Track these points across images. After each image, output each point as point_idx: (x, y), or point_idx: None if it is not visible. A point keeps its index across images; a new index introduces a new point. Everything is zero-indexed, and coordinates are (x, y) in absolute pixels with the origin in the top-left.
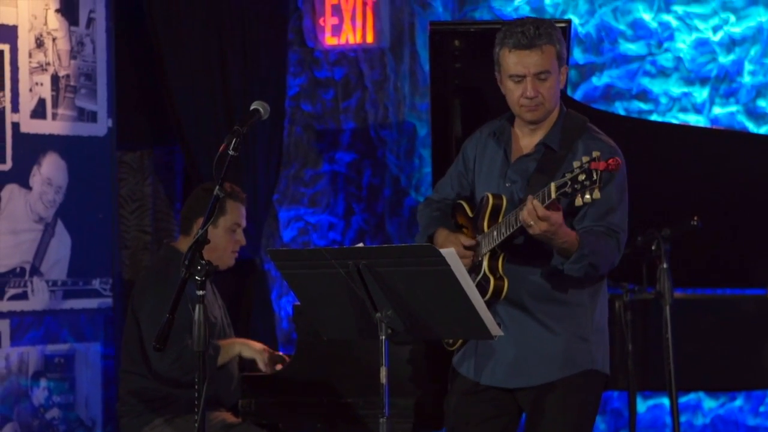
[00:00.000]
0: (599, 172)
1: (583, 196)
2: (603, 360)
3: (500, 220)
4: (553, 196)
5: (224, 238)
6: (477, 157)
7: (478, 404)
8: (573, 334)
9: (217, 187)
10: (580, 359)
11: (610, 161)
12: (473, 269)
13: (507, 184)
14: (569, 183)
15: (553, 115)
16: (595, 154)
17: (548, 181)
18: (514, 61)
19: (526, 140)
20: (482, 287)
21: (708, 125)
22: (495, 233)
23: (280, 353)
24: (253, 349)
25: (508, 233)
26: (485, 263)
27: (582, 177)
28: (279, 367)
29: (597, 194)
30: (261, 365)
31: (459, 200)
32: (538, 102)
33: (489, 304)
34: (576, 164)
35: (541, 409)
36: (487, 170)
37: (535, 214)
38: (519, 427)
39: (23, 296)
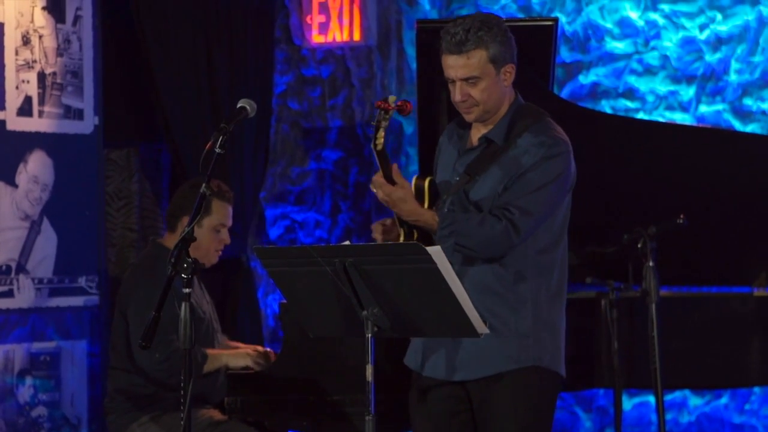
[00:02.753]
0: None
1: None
2: (552, 358)
3: (426, 200)
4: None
5: (208, 238)
6: (441, 149)
7: (437, 401)
8: (511, 329)
9: (204, 184)
10: (523, 355)
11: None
12: None
13: (456, 178)
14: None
15: (502, 110)
16: (391, 98)
17: (480, 171)
18: (445, 65)
19: (476, 132)
20: None
21: (694, 124)
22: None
23: (267, 350)
24: (239, 358)
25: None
26: (401, 240)
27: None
28: (271, 356)
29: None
30: (255, 368)
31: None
32: (471, 104)
33: None
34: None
35: (487, 403)
36: (443, 163)
37: (374, 181)
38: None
39: (9, 294)
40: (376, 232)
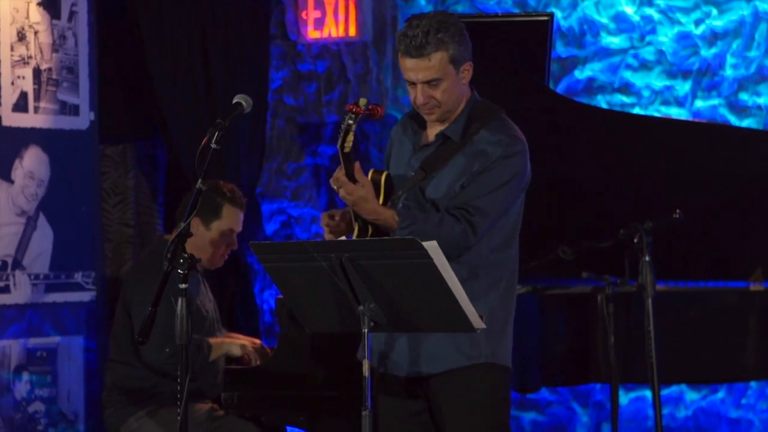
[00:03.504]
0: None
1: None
2: (504, 354)
3: (381, 194)
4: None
5: (215, 242)
6: (395, 141)
7: (393, 397)
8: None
9: (200, 180)
10: (475, 352)
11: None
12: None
13: (411, 173)
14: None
15: (461, 105)
16: (362, 101)
17: (437, 166)
18: (404, 67)
19: (432, 129)
20: None
21: (690, 119)
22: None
23: (264, 345)
24: (240, 346)
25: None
26: (355, 234)
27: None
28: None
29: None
30: (252, 360)
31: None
32: (433, 105)
33: None
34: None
35: (441, 400)
36: (396, 156)
37: (334, 178)
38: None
39: (5, 290)
40: (323, 223)
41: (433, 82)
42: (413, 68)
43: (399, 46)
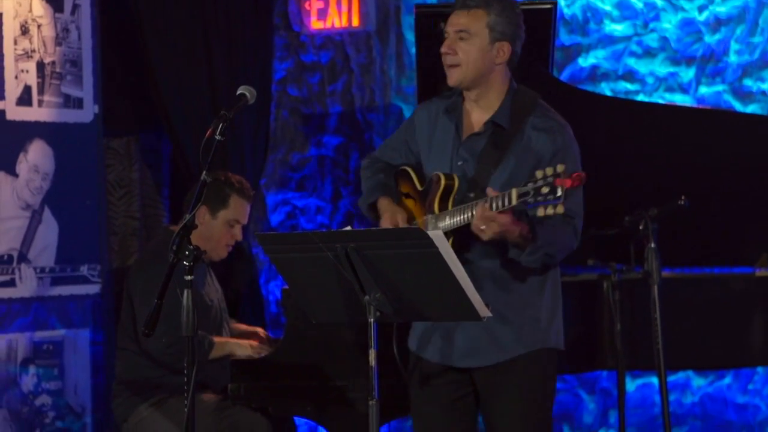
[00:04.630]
0: (564, 188)
1: (545, 209)
2: (556, 337)
3: (451, 200)
4: (514, 202)
5: (220, 231)
6: (427, 130)
7: (439, 387)
8: (524, 316)
9: (204, 171)
10: (531, 339)
11: (574, 176)
12: None
13: (459, 163)
14: (531, 193)
15: (498, 91)
16: (559, 168)
17: (496, 159)
18: (447, 22)
19: (476, 117)
20: None
21: (694, 105)
22: (448, 220)
23: (270, 336)
24: (245, 348)
25: (462, 225)
26: None
27: (545, 190)
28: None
29: (561, 209)
30: (256, 356)
31: (404, 167)
32: (454, 62)
33: None
34: (539, 174)
35: (495, 389)
36: (438, 146)
37: (483, 218)
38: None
39: (11, 283)
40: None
41: (462, 33)
42: (451, 20)
43: (453, 6)
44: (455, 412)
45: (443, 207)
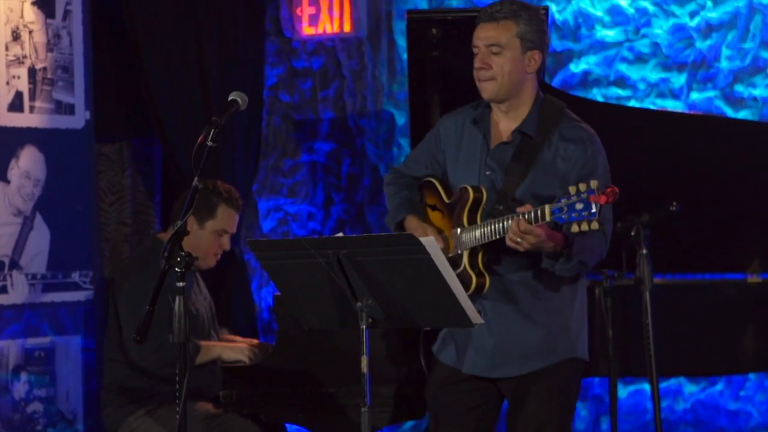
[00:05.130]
0: (599, 205)
1: (579, 225)
2: (583, 347)
3: (480, 213)
4: (548, 219)
5: (208, 241)
6: (454, 139)
7: (459, 393)
8: (555, 324)
9: (196, 178)
10: (561, 348)
11: (608, 192)
12: (451, 261)
13: (487, 172)
14: (565, 209)
15: (527, 100)
16: (593, 184)
17: (524, 170)
18: (474, 35)
19: (504, 126)
20: (462, 282)
21: (686, 111)
22: (478, 233)
23: (262, 342)
24: (233, 351)
25: (492, 238)
26: (465, 259)
27: (580, 206)
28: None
29: (596, 225)
30: (247, 362)
31: (430, 178)
32: (490, 76)
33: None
34: (572, 190)
35: (523, 398)
36: (466, 156)
37: (519, 233)
38: (500, 413)
39: (3, 290)
40: None
41: (494, 47)
42: (479, 33)
43: (478, 18)
44: (471, 422)
45: (472, 220)
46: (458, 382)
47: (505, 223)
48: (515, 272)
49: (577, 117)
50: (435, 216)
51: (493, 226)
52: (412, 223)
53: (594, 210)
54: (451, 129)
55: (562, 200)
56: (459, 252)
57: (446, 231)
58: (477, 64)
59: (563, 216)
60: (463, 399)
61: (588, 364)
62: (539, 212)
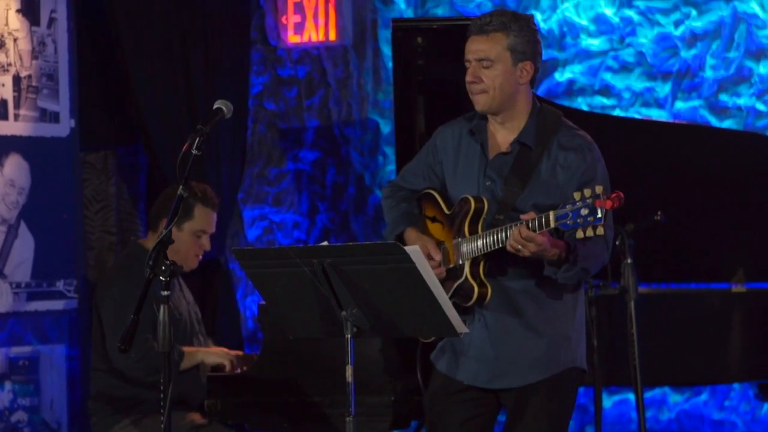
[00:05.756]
0: (605, 210)
1: (585, 231)
2: (582, 356)
3: (481, 223)
4: (552, 225)
5: (187, 242)
6: (451, 151)
7: (457, 402)
8: (557, 334)
9: (181, 186)
10: (563, 358)
11: (614, 197)
12: (452, 273)
13: (487, 183)
14: (570, 215)
15: (523, 110)
16: (598, 189)
17: (524, 179)
18: (466, 47)
19: (501, 137)
20: (465, 293)
21: (670, 120)
22: (480, 243)
23: (247, 353)
24: (215, 355)
25: (494, 248)
26: (467, 269)
27: (585, 212)
28: (245, 367)
29: (601, 231)
30: (228, 366)
31: (429, 190)
32: (481, 89)
33: (472, 307)
34: (577, 196)
35: (523, 408)
36: (464, 167)
37: (521, 240)
38: (497, 422)
39: None
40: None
41: (484, 61)
42: (470, 46)
43: (468, 30)
44: (469, 431)
45: (473, 230)
46: (456, 392)
47: (507, 231)
48: (518, 281)
49: (574, 125)
50: (435, 228)
51: (495, 236)
52: (411, 236)
53: (600, 215)
54: (449, 140)
55: (567, 206)
56: (460, 262)
57: (447, 242)
58: (468, 77)
59: (568, 222)
60: (461, 408)
61: (585, 372)
62: (543, 219)
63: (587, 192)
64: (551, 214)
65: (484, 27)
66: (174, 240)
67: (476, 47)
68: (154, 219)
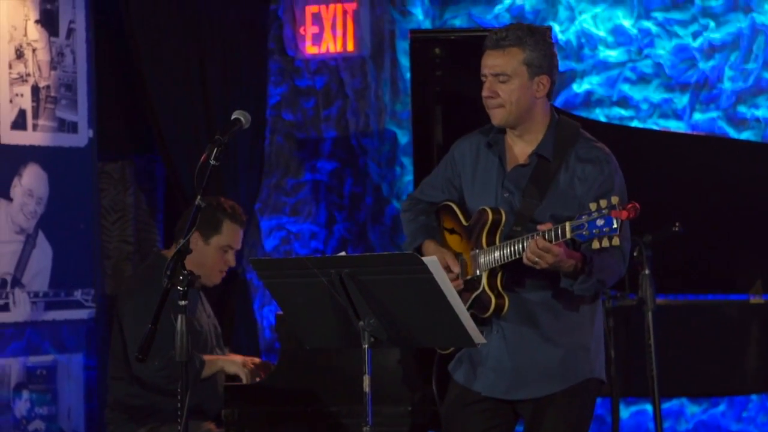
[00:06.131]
0: (621, 221)
1: (601, 241)
2: (600, 367)
3: (499, 234)
4: (568, 236)
5: (213, 257)
6: (469, 163)
7: (475, 413)
8: (575, 344)
9: (198, 197)
10: (581, 369)
11: (629, 207)
12: (470, 284)
13: (505, 194)
14: (586, 226)
15: (540, 123)
16: (614, 200)
17: (542, 191)
18: (482, 62)
19: (519, 149)
20: (482, 304)
21: (689, 131)
22: (497, 254)
23: (264, 361)
24: (236, 364)
25: (511, 259)
26: (485, 280)
27: (601, 222)
28: (263, 375)
29: (617, 241)
30: (244, 379)
31: (448, 202)
32: (498, 104)
33: (490, 318)
34: (593, 206)
35: (541, 419)
36: (482, 179)
37: (537, 251)
38: None
39: (5, 308)
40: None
41: (501, 76)
42: (486, 61)
43: (484, 45)
44: None
45: (491, 241)
46: (474, 402)
47: (524, 243)
48: (535, 293)
49: (592, 137)
50: (453, 239)
51: (512, 247)
52: (430, 248)
53: (615, 225)
54: (466, 152)
55: (583, 217)
56: (478, 274)
57: (465, 254)
58: (485, 92)
59: (584, 233)
60: (478, 419)
61: (603, 383)
62: (560, 230)
63: (603, 203)
64: (567, 225)
65: (499, 42)
66: (200, 253)
67: (492, 62)
68: (179, 232)
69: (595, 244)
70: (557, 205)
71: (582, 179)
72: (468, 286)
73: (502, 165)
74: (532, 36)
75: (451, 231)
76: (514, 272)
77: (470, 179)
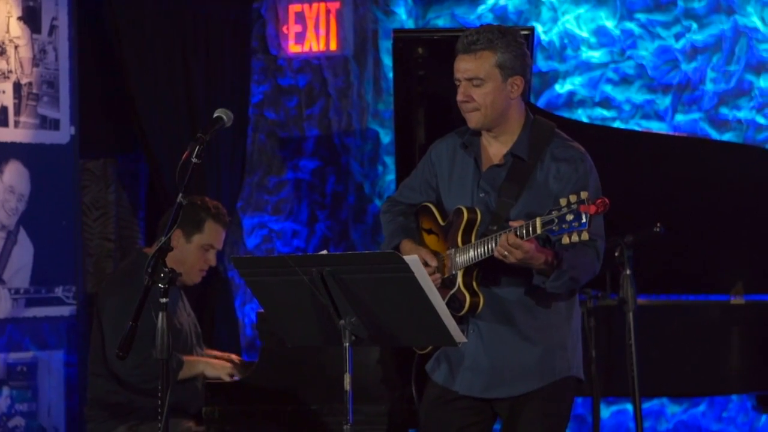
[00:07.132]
0: (589, 215)
1: (570, 236)
2: (578, 365)
3: (474, 233)
4: (539, 232)
5: (194, 255)
6: (446, 164)
7: (452, 412)
8: (552, 342)
9: (180, 194)
10: (558, 367)
11: (598, 202)
12: (446, 283)
13: (481, 194)
14: (556, 221)
15: (516, 123)
16: (583, 195)
17: (517, 191)
18: (455, 67)
19: (494, 150)
20: (457, 302)
21: (670, 132)
22: (472, 252)
23: (244, 360)
24: (216, 368)
25: (485, 257)
26: (460, 279)
27: (570, 217)
28: (237, 373)
29: (585, 236)
30: (227, 379)
31: (426, 203)
32: (473, 107)
33: (465, 317)
34: (563, 201)
35: (518, 417)
36: (458, 180)
37: (507, 246)
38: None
39: None
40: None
41: (474, 80)
42: (459, 65)
43: (456, 48)
44: None
45: (466, 240)
46: (451, 401)
47: (497, 240)
48: (511, 291)
49: (567, 137)
50: (431, 239)
51: (485, 246)
52: (407, 247)
53: (584, 220)
54: (443, 154)
55: (553, 212)
56: (454, 272)
57: (442, 253)
58: (460, 97)
59: (554, 228)
60: (456, 418)
61: (581, 381)
62: (530, 225)
63: (573, 198)
64: (538, 221)
65: (471, 46)
66: (181, 251)
67: (465, 66)
68: (162, 229)
69: (565, 240)
70: (533, 204)
71: (557, 178)
72: (445, 285)
73: (478, 165)
74: (503, 38)
75: (429, 231)
76: (490, 271)
77: (447, 180)
